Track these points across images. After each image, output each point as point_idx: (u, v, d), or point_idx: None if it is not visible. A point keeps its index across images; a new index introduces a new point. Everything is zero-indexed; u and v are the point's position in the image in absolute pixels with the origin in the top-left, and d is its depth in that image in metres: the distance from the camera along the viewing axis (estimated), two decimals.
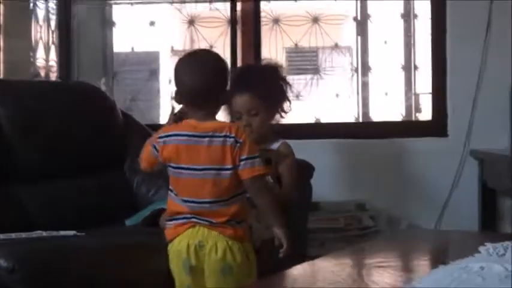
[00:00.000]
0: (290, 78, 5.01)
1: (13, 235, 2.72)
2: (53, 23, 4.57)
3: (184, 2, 4.81)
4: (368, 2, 4.83)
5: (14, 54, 4.53)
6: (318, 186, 3.48)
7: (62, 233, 2.81)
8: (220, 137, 2.46)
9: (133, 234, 2.99)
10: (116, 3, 4.90)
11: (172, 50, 4.91)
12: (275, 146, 3.08)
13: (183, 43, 4.95)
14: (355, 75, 4.83)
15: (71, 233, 2.83)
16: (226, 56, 4.37)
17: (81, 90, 3.66)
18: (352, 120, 4.69)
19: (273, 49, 4.75)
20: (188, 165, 2.48)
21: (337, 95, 4.82)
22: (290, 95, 3.18)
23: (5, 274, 2.37)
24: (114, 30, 4.85)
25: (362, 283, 1.93)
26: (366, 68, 4.81)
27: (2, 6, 4.47)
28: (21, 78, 4.40)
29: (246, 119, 3.02)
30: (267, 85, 3.08)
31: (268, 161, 2.99)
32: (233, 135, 2.46)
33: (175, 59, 2.72)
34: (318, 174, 3.44)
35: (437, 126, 4.22)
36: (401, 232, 3.54)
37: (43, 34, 4.56)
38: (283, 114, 3.14)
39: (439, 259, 2.14)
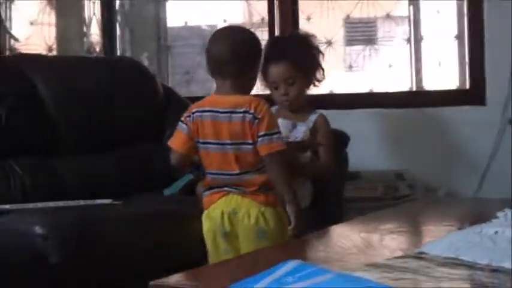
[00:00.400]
0: (348, 49, 5.08)
1: (51, 203, 2.81)
2: None
3: None
4: None
5: (67, 30, 4.64)
6: (359, 155, 3.49)
7: (99, 201, 2.90)
8: (239, 112, 2.50)
9: (168, 202, 3.04)
10: None
11: (225, 23, 4.95)
12: (312, 117, 3.07)
13: (235, 16, 4.99)
14: (408, 45, 4.79)
15: (108, 201, 2.91)
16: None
17: (122, 65, 3.75)
18: (405, 90, 4.66)
19: (325, 20, 4.74)
20: (213, 139, 2.54)
21: (390, 65, 4.79)
22: (322, 63, 3.15)
23: (40, 240, 2.45)
24: (167, 4, 4.92)
25: (374, 248, 1.94)
26: (418, 38, 4.77)
27: None
28: (75, 53, 4.50)
29: (284, 87, 3.01)
30: (301, 53, 3.05)
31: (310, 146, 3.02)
32: (252, 111, 2.49)
33: None
34: (359, 144, 3.46)
35: (475, 95, 4.16)
36: (431, 199, 3.51)
37: (96, 11, 4.65)
38: (317, 83, 3.12)
39: (458, 225, 2.13)
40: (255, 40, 2.69)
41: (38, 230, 2.46)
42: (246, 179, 2.53)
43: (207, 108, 2.56)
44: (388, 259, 1.77)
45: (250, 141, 2.50)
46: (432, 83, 4.75)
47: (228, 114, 2.51)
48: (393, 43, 4.82)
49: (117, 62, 3.94)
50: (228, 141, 2.51)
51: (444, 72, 4.75)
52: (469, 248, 1.82)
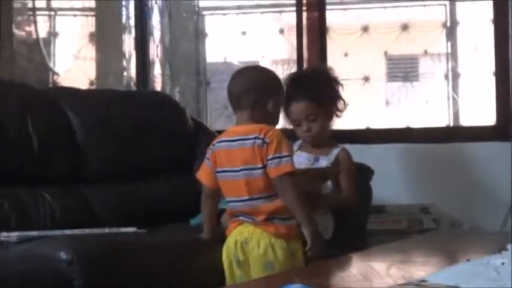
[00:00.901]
0: (389, 85, 5.10)
1: (77, 231, 2.89)
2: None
3: (274, 12, 4.92)
4: (457, 7, 4.80)
5: (107, 65, 4.75)
6: (386, 189, 3.51)
7: (123, 229, 2.96)
8: (250, 139, 2.58)
9: (192, 232, 3.09)
10: (208, 14, 5.05)
11: (264, 59, 5.02)
12: (335, 151, 3.06)
13: (275, 52, 5.06)
14: (446, 81, 4.80)
15: (132, 229, 2.97)
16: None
17: (153, 99, 3.85)
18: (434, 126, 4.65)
19: (363, 56, 4.78)
20: (228, 168, 2.63)
21: (427, 102, 4.80)
22: (342, 93, 3.15)
23: (65, 266, 2.49)
24: (207, 40, 5.01)
25: (379, 276, 1.96)
26: (456, 74, 4.78)
27: (95, 19, 4.70)
28: (114, 88, 4.60)
29: (306, 124, 3.02)
30: (321, 89, 3.07)
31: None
32: (262, 136, 2.56)
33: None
34: (387, 178, 3.47)
35: (500, 131, 4.14)
36: (450, 232, 3.50)
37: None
38: (338, 113, 3.12)
39: (470, 256, 2.13)
40: (273, 75, 2.81)
41: (62, 255, 2.50)
42: (255, 206, 2.59)
43: (224, 139, 2.67)
44: (391, 287, 1.79)
45: (260, 166, 2.56)
46: (470, 119, 4.74)
47: (240, 142, 2.60)
48: (433, 79, 4.84)
49: (148, 95, 4.03)
50: (240, 168, 2.59)
51: (482, 108, 4.74)
52: (471, 277, 1.84)
